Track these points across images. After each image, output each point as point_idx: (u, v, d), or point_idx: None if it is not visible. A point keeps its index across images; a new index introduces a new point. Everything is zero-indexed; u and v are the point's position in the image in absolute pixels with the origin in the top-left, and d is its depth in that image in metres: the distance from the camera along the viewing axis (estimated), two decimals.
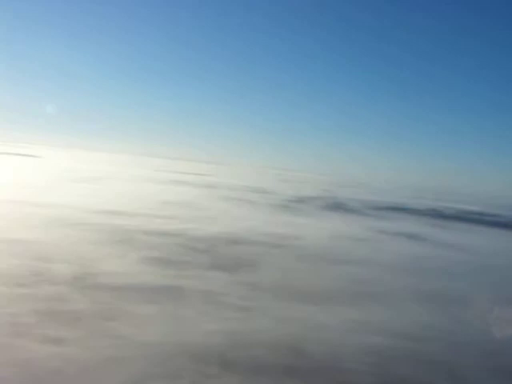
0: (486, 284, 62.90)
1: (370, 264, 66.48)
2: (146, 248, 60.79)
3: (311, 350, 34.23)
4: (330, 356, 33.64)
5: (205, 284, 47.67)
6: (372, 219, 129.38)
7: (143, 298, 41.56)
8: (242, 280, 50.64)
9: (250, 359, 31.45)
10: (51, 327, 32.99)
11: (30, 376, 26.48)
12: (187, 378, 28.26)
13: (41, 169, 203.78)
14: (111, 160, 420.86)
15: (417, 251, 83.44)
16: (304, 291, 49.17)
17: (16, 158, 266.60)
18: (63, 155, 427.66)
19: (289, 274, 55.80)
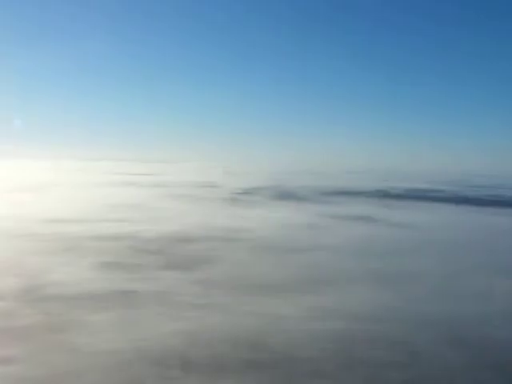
0: (437, 260, 64.17)
1: (323, 250, 66.93)
2: (95, 254, 59.41)
3: (272, 343, 34.05)
4: (291, 346, 33.53)
5: (159, 285, 46.90)
6: (321, 205, 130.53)
7: (96, 305, 40.50)
8: (197, 278, 50.08)
9: (211, 358, 31.03)
10: None
11: None
12: None
13: None
14: (57, 167, 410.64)
15: (367, 233, 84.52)
16: (260, 283, 49.00)
17: None
18: (6, 164, 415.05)
19: (243, 268, 55.53)
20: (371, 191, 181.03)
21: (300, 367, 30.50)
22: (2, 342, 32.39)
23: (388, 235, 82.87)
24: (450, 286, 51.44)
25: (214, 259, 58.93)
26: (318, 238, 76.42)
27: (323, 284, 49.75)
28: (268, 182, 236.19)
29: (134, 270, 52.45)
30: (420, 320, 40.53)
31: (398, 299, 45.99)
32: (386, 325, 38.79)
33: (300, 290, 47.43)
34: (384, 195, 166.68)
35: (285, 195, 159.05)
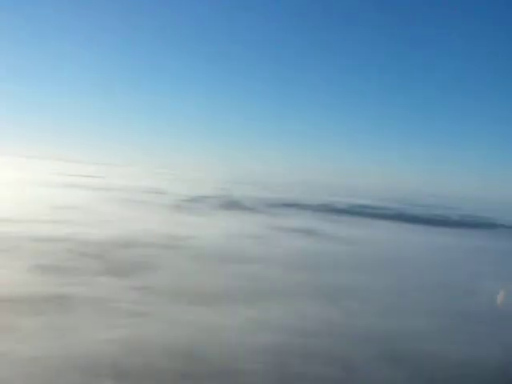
0: (376, 276, 64.98)
1: (265, 261, 66.79)
2: (33, 256, 57.46)
3: (207, 354, 33.50)
4: (227, 358, 33.05)
5: (96, 291, 45.62)
6: (267, 216, 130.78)
7: (29, 309, 39.01)
8: (135, 285, 49.01)
9: (144, 368, 30.20)
10: None
11: None
12: None
13: None
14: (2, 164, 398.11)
15: (310, 246, 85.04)
16: (200, 292, 48.36)
17: None
18: None
19: (184, 276, 54.76)
20: (317, 205, 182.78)
21: (235, 381, 30.05)
22: None
23: (330, 250, 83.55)
24: (388, 302, 52.08)
25: (155, 266, 57.93)
26: (261, 250, 76.30)
27: (264, 296, 49.50)
28: (216, 191, 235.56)
29: (71, 273, 50.94)
30: (358, 335, 40.75)
31: (338, 313, 46.19)
32: (324, 339, 38.80)
33: (240, 300, 47.02)
34: (329, 209, 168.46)
35: (231, 205, 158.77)
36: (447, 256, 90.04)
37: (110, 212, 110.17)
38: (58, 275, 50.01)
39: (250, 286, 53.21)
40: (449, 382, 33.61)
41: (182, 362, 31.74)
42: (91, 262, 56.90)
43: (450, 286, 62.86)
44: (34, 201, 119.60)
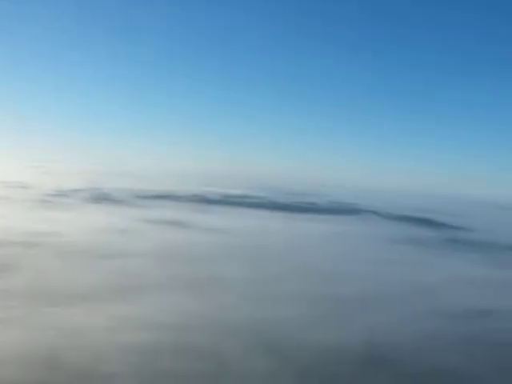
0: (248, 266, 65.31)
1: (133, 256, 64.71)
2: None
3: (70, 359, 31.44)
4: (92, 362, 31.21)
5: None
6: (137, 209, 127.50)
7: None
8: None
9: None
10: None
11: None
12: None
13: None
14: None
15: (180, 239, 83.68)
16: (63, 292, 45.69)
17: None
18: None
19: (46, 275, 51.51)
20: (188, 196, 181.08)
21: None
22: None
23: (201, 241, 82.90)
24: (260, 292, 52.36)
25: (14, 266, 54.04)
26: (130, 244, 73.95)
27: (131, 292, 47.78)
28: (85, 184, 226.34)
29: None
30: (230, 327, 40.39)
31: (208, 306, 45.61)
32: (195, 334, 38.03)
33: (106, 298, 44.98)
34: (201, 200, 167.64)
35: (100, 198, 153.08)
36: (314, 242, 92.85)
37: None
38: None
39: (118, 282, 51.22)
40: (320, 368, 34.13)
41: (40, 370, 29.54)
42: None
43: (316, 272, 64.70)
44: None
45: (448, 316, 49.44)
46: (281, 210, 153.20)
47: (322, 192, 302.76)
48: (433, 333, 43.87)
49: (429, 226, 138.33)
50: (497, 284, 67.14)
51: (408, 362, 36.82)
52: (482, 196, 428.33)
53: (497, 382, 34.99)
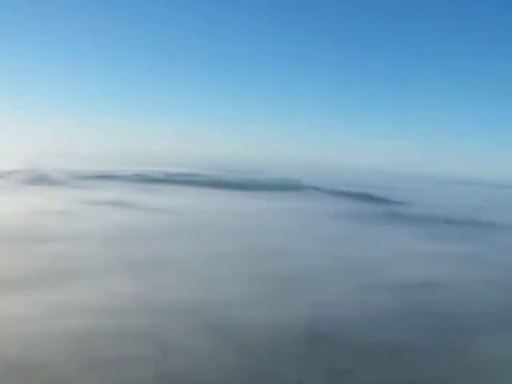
0: (194, 245, 64.46)
1: (72, 239, 62.67)
2: None
3: (1, 348, 30.08)
4: (25, 352, 29.83)
5: None
6: (77, 190, 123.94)
7: None
8: None
9: None
10: None
11: None
12: None
13: None
14: None
15: (122, 219, 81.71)
16: None
17: None
18: None
19: None
20: (130, 175, 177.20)
21: (35, 376, 27.16)
22: None
23: (144, 221, 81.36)
24: (203, 271, 51.73)
25: None
26: (69, 226, 71.66)
27: (69, 276, 46.21)
28: (22, 165, 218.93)
29: None
30: (173, 309, 39.59)
31: (150, 289, 44.65)
32: (135, 318, 37.06)
33: (42, 284, 43.30)
34: (143, 179, 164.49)
35: (38, 179, 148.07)
36: (257, 219, 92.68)
37: None
38: None
39: (54, 266, 49.49)
40: (263, 346, 33.91)
41: None
42: None
43: (260, 249, 64.44)
44: None
45: (390, 289, 50.10)
46: (225, 188, 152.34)
47: (266, 169, 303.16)
48: (376, 306, 44.35)
49: (371, 201, 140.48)
50: (436, 256, 68.65)
51: (351, 336, 37.02)
52: (422, 172, 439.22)
53: (435, 350, 35.61)
